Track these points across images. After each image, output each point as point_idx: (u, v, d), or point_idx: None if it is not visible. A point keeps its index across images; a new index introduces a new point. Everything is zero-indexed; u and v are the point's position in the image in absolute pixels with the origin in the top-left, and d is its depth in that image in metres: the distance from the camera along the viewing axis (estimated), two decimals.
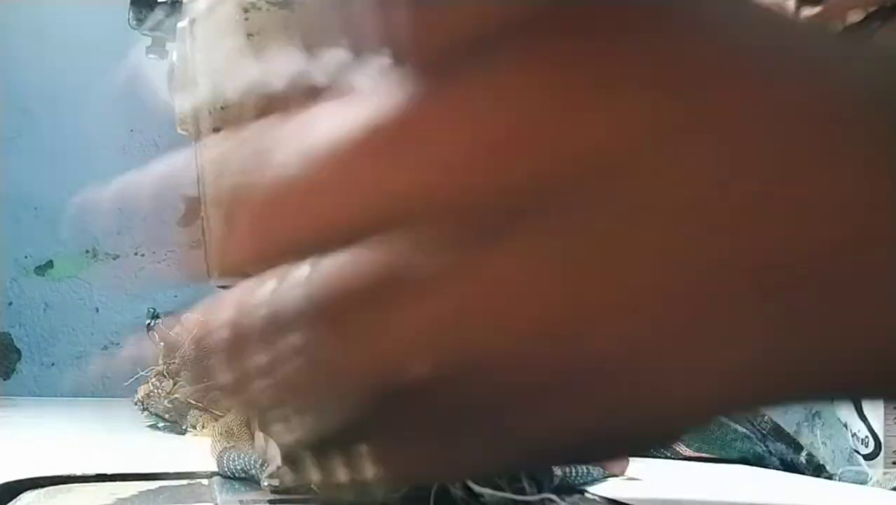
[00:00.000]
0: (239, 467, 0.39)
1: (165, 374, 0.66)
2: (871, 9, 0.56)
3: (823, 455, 0.52)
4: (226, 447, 0.46)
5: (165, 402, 0.61)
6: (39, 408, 0.88)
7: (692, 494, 0.42)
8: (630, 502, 0.36)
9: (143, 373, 0.68)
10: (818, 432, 0.62)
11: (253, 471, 0.39)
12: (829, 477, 0.52)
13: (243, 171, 0.19)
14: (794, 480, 0.47)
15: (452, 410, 0.18)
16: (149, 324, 0.73)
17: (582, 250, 0.16)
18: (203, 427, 0.56)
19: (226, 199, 0.20)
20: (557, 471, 0.40)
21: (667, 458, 0.50)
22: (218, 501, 0.36)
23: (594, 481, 0.41)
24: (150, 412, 0.62)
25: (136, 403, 0.64)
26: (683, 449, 0.50)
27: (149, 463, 0.43)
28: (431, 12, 0.16)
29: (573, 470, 0.41)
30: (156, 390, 0.63)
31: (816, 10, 0.58)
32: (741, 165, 0.16)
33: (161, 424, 0.61)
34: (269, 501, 0.34)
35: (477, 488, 0.24)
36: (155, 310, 0.74)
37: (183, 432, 0.58)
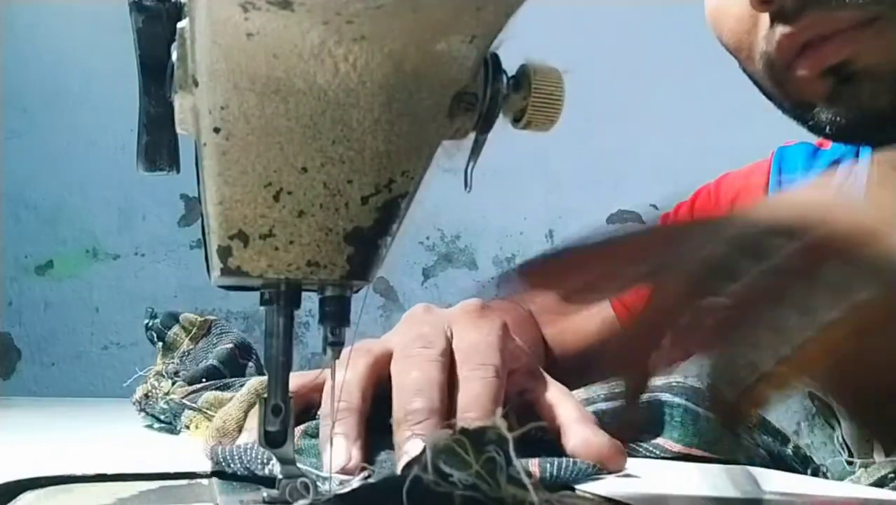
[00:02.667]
0: (235, 456, 0.39)
1: (164, 374, 0.66)
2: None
3: (823, 455, 0.52)
4: (219, 442, 0.46)
5: (162, 403, 0.60)
6: (39, 408, 0.88)
7: (684, 490, 0.42)
8: (628, 501, 0.36)
9: (141, 373, 0.68)
10: (817, 432, 0.62)
11: (250, 464, 0.39)
12: (816, 469, 0.52)
13: None
14: (784, 478, 0.47)
15: None
16: (148, 324, 0.73)
17: None
18: (196, 428, 0.56)
19: None
20: (547, 466, 0.40)
21: (655, 456, 0.50)
22: (218, 501, 0.36)
23: (583, 477, 0.41)
24: (147, 413, 0.62)
25: (133, 404, 0.63)
26: (671, 445, 0.50)
27: (148, 463, 0.43)
28: None
29: (560, 466, 0.41)
30: (153, 391, 0.63)
31: (789, 29, 0.57)
32: None
33: (157, 425, 0.61)
34: (269, 502, 0.34)
35: (448, 470, 0.24)
36: (155, 310, 0.74)
37: (177, 433, 0.58)
